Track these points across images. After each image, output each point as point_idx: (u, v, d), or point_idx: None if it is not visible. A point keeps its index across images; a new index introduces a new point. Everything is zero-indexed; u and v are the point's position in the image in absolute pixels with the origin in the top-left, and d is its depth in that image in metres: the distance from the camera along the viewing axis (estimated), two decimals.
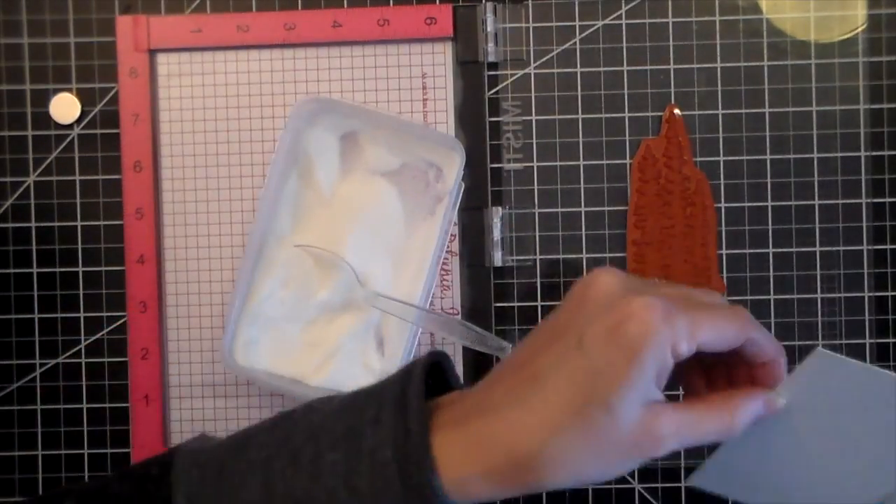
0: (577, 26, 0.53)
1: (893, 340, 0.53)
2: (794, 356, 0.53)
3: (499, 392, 0.34)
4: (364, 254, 0.51)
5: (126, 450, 0.53)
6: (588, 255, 0.53)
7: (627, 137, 0.53)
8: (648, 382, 0.33)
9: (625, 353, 0.32)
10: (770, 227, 0.53)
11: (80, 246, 0.53)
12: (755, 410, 0.36)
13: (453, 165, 0.51)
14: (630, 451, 0.33)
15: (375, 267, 0.51)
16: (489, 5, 0.52)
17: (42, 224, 0.53)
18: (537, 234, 0.53)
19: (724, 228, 0.53)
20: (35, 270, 0.53)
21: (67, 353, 0.53)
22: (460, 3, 0.53)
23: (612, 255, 0.53)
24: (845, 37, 0.53)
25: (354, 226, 0.51)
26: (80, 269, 0.53)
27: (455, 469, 0.33)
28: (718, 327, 0.34)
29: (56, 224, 0.53)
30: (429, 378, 0.35)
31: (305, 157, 0.51)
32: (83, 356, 0.53)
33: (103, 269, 0.53)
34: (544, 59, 0.53)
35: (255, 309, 0.51)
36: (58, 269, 0.53)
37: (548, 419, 0.33)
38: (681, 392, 0.41)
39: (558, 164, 0.53)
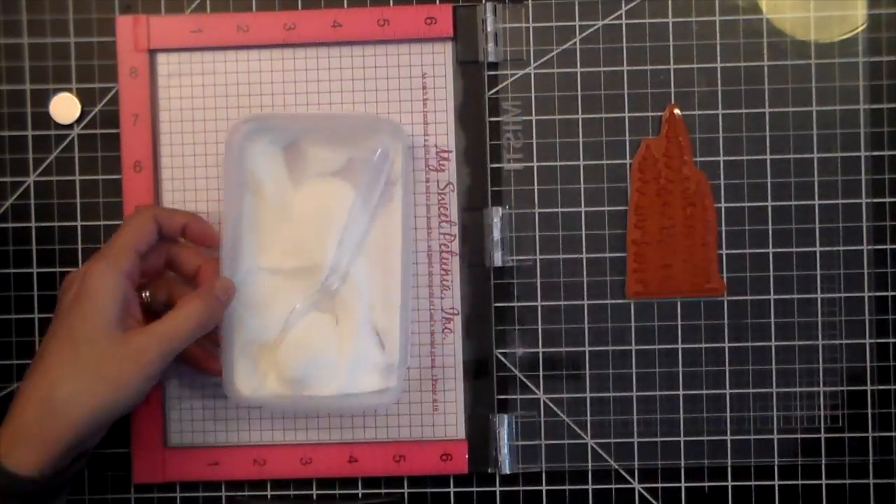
0: (577, 26, 0.53)
1: (893, 340, 0.53)
2: (795, 356, 0.53)
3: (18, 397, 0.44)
4: (336, 256, 0.50)
5: (125, 450, 0.53)
6: (588, 255, 0.53)
7: (627, 137, 0.53)
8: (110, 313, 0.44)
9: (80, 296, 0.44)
10: (770, 227, 0.53)
11: (80, 246, 0.53)
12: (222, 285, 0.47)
13: (398, 146, 0.50)
14: (123, 372, 0.43)
15: (351, 266, 0.51)
16: (489, 5, 0.52)
17: (42, 224, 0.53)
18: (537, 234, 0.53)
19: (724, 228, 0.53)
20: (35, 270, 0.53)
21: None
22: (460, 3, 0.53)
23: (612, 254, 0.53)
24: (845, 37, 0.53)
25: (318, 232, 0.51)
26: None
27: (9, 446, 0.42)
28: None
29: (56, 224, 0.53)
30: None
31: (253, 177, 0.51)
32: None
33: None
34: (544, 59, 0.53)
35: (245, 338, 0.50)
36: (58, 269, 0.53)
37: (48, 376, 0.43)
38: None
39: (558, 164, 0.53)
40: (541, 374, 0.53)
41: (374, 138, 0.51)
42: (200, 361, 0.50)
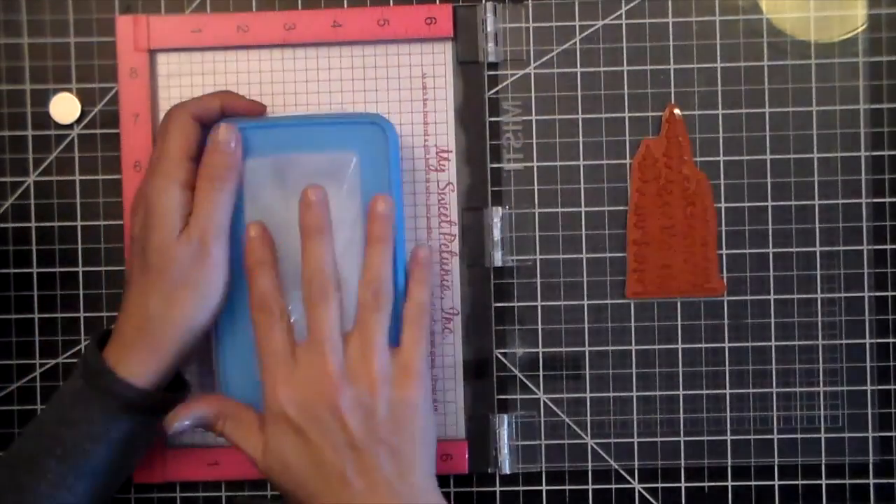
0: (577, 26, 0.53)
1: (893, 340, 0.53)
2: (795, 356, 0.53)
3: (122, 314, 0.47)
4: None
5: None
6: (588, 255, 0.53)
7: (627, 137, 0.53)
8: (176, 225, 0.46)
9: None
10: (770, 227, 0.53)
11: (80, 246, 0.53)
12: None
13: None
14: (200, 275, 0.45)
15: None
16: (489, 5, 0.52)
17: (42, 224, 0.53)
18: (537, 234, 0.53)
19: (724, 228, 0.53)
20: (35, 270, 0.53)
21: (67, 353, 0.53)
22: (460, 3, 0.53)
23: (612, 254, 0.53)
24: (845, 37, 0.53)
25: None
26: (80, 269, 0.53)
27: (118, 356, 0.45)
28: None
29: (56, 224, 0.53)
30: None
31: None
32: None
33: (103, 269, 0.53)
34: (544, 59, 0.53)
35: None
36: (58, 269, 0.53)
37: (135, 292, 0.46)
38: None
39: (558, 164, 0.53)
40: (541, 374, 0.53)
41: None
42: None
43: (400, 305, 0.47)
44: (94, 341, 0.47)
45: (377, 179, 0.48)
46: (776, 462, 0.53)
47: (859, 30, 0.52)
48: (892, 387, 0.53)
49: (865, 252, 0.53)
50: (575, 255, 0.53)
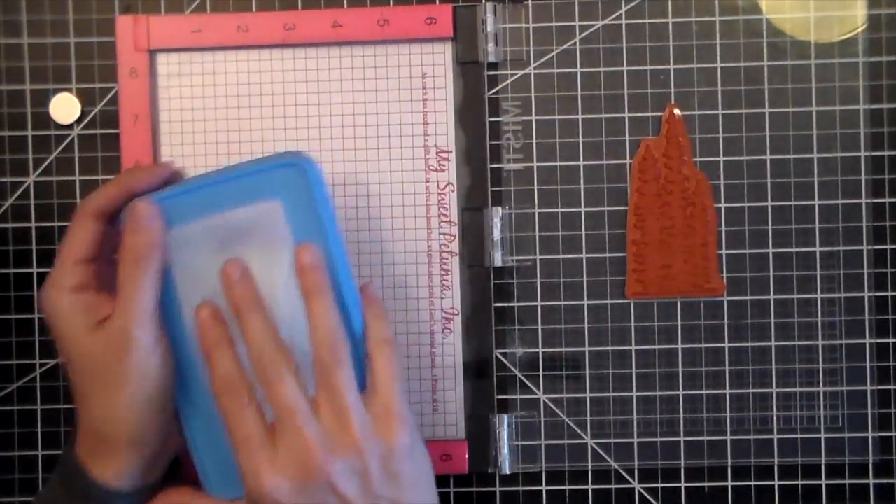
0: (577, 26, 0.53)
1: (893, 340, 0.53)
2: (794, 356, 0.53)
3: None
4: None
5: None
6: (588, 255, 0.53)
7: (627, 137, 0.53)
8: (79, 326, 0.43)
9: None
10: (770, 227, 0.53)
11: None
12: None
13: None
14: (122, 364, 0.42)
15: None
16: (489, 5, 0.52)
17: (42, 224, 0.53)
18: (537, 234, 0.53)
19: (724, 228, 0.53)
20: (35, 270, 0.53)
21: None
22: (460, 3, 0.53)
23: (611, 255, 0.53)
24: (845, 37, 0.53)
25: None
26: None
27: (89, 459, 0.43)
28: None
29: (56, 224, 0.53)
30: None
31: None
32: None
33: None
34: (544, 59, 0.53)
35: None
36: None
37: (77, 398, 0.44)
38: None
39: (558, 164, 0.53)
40: (541, 374, 0.53)
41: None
42: None
43: (362, 348, 0.44)
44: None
45: (307, 221, 0.44)
46: (776, 462, 0.53)
47: (859, 30, 0.52)
48: (892, 387, 0.53)
49: (865, 252, 0.53)
50: (575, 255, 0.53)
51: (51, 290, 0.43)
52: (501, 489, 0.53)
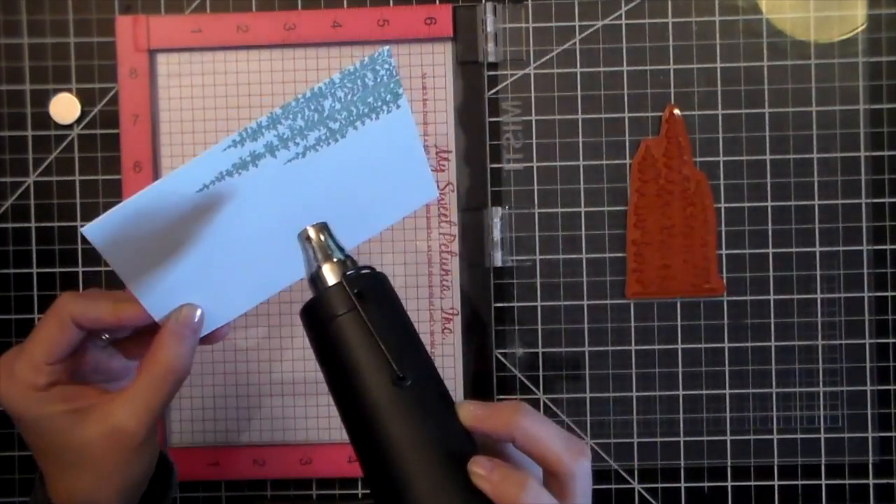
0: (577, 26, 0.53)
1: (893, 340, 0.53)
2: (794, 356, 0.53)
3: None
4: None
5: None
6: (588, 255, 0.53)
7: (627, 137, 0.53)
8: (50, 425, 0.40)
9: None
10: (770, 227, 0.53)
11: (79, 246, 0.53)
12: None
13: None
14: (108, 462, 0.40)
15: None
16: (489, 5, 0.52)
17: (42, 224, 0.53)
18: (537, 234, 0.53)
19: (724, 228, 0.53)
20: (35, 270, 0.53)
21: None
22: (460, 3, 0.53)
23: (611, 255, 0.53)
24: (845, 37, 0.53)
25: None
26: (80, 269, 0.53)
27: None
28: None
29: (56, 224, 0.53)
30: None
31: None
32: None
33: (103, 269, 0.53)
34: (544, 59, 0.53)
35: None
36: (58, 270, 0.53)
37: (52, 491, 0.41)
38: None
39: (558, 164, 0.53)
40: (541, 374, 0.53)
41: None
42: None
43: None
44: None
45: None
46: (776, 462, 0.53)
47: (859, 30, 0.52)
48: (892, 387, 0.53)
49: (865, 252, 0.53)
50: (575, 256, 0.53)
51: (19, 386, 0.40)
52: None
